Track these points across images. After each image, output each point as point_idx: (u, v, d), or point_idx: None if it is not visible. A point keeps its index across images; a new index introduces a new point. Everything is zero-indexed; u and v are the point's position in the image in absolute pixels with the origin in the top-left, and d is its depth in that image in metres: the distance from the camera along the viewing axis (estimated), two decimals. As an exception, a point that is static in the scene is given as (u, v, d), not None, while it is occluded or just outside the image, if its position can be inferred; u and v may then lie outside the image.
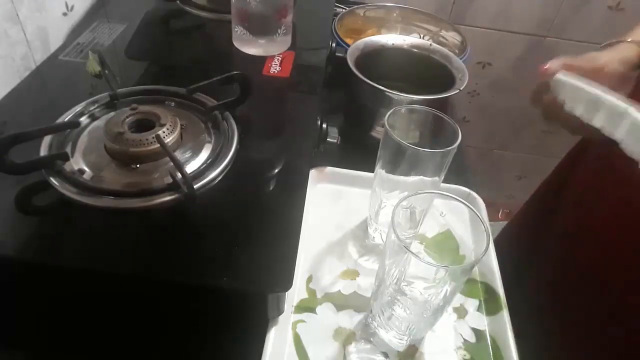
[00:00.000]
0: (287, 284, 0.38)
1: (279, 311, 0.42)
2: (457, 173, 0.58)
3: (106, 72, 0.53)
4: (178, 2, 0.72)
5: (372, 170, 0.50)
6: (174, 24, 0.73)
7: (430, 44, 0.69)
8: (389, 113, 0.45)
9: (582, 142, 0.70)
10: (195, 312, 0.43)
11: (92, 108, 0.51)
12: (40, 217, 0.43)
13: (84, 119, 0.50)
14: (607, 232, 0.57)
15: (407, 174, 0.46)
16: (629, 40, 0.53)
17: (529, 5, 1.20)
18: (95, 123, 0.50)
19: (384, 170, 0.47)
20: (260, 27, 0.62)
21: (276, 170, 0.49)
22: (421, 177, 0.46)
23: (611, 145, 0.43)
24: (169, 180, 0.42)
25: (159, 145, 0.44)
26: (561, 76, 0.48)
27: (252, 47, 0.64)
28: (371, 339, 0.44)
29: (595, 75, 0.47)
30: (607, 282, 0.57)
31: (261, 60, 0.63)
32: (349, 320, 0.45)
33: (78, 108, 0.50)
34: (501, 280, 0.50)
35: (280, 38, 0.64)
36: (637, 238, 0.54)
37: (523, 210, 0.81)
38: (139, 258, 0.40)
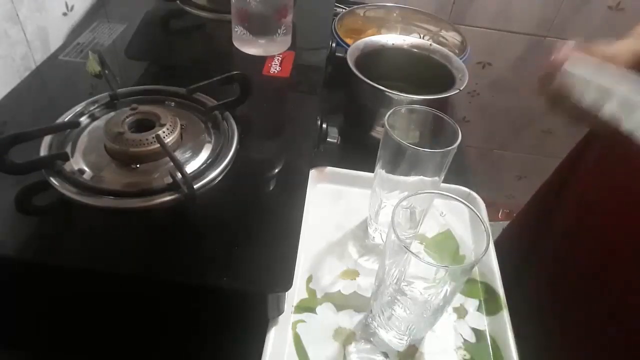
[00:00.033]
0: (287, 284, 0.38)
1: (279, 311, 0.42)
2: (457, 173, 0.58)
3: (106, 72, 0.53)
4: (178, 2, 0.72)
5: (372, 170, 0.50)
6: (174, 24, 0.73)
7: (430, 44, 0.69)
8: (389, 113, 0.45)
9: (583, 142, 0.70)
10: (195, 312, 0.43)
11: (92, 108, 0.51)
12: (40, 217, 0.43)
13: (84, 119, 0.50)
14: (607, 232, 0.57)
15: (407, 174, 0.46)
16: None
17: (529, 5, 1.20)
18: (95, 123, 0.50)
19: (384, 170, 0.47)
20: (260, 27, 0.62)
21: (276, 170, 0.49)
22: (421, 177, 0.46)
23: (617, 137, 0.42)
24: (169, 180, 0.42)
25: (159, 145, 0.44)
26: (570, 64, 0.46)
27: (252, 47, 0.64)
28: (371, 339, 0.44)
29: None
30: (607, 282, 0.57)
31: (261, 60, 0.63)
32: (349, 320, 0.45)
33: (78, 108, 0.50)
34: (501, 280, 0.50)
35: (280, 38, 0.64)
36: (638, 238, 0.54)
37: (524, 211, 0.81)
38: (139, 258, 0.40)
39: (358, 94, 0.65)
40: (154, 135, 0.45)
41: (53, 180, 0.42)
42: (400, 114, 0.47)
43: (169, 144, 0.45)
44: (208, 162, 0.46)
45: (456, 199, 0.40)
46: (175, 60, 0.66)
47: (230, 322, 0.43)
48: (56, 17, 0.67)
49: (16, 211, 0.41)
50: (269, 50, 0.64)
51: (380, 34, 0.88)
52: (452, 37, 0.90)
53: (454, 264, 0.40)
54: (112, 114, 0.49)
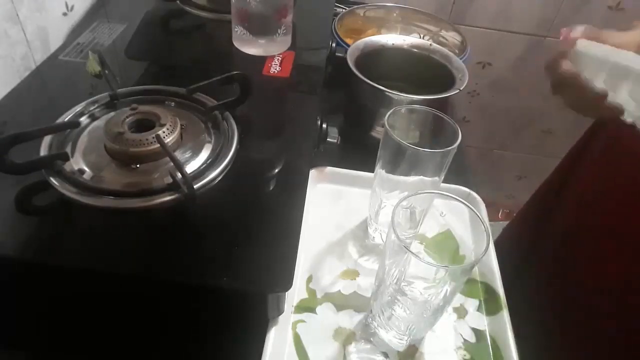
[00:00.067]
0: (287, 284, 0.38)
1: (279, 311, 0.42)
2: (457, 173, 0.58)
3: (106, 72, 0.53)
4: (178, 2, 0.72)
5: (372, 170, 0.50)
6: (174, 24, 0.73)
7: (430, 44, 0.69)
8: (389, 113, 0.45)
9: (583, 141, 0.70)
10: (195, 312, 0.43)
11: (92, 108, 0.51)
12: (40, 217, 0.43)
13: (84, 119, 0.50)
14: (607, 232, 0.57)
15: (407, 174, 0.46)
16: None
17: (529, 5, 1.20)
18: (95, 123, 0.50)
19: (384, 170, 0.47)
20: (260, 27, 0.62)
21: (276, 170, 0.49)
22: (421, 177, 0.46)
23: (622, 128, 0.42)
24: (169, 180, 0.42)
25: (159, 145, 0.44)
26: (583, 43, 0.45)
27: (252, 47, 0.64)
28: (371, 339, 0.44)
29: None
30: (607, 282, 0.57)
31: (261, 60, 0.63)
32: (349, 320, 0.45)
33: (78, 108, 0.50)
34: (501, 280, 0.50)
35: (280, 38, 0.64)
36: (638, 238, 0.54)
37: (523, 211, 0.81)
38: (139, 258, 0.40)
39: (358, 94, 0.65)
40: (154, 135, 0.45)
41: (53, 180, 0.42)
42: (400, 114, 0.47)
43: (169, 144, 0.45)
44: (208, 162, 0.46)
45: (456, 199, 0.40)
46: (175, 60, 0.66)
47: (230, 322, 0.43)
48: (56, 17, 0.67)
49: (16, 211, 0.41)
50: (269, 50, 0.64)
51: (380, 34, 0.88)
52: (452, 37, 0.90)
53: (454, 264, 0.40)
54: (112, 114, 0.49)
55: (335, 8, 0.89)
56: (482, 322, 0.47)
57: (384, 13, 0.94)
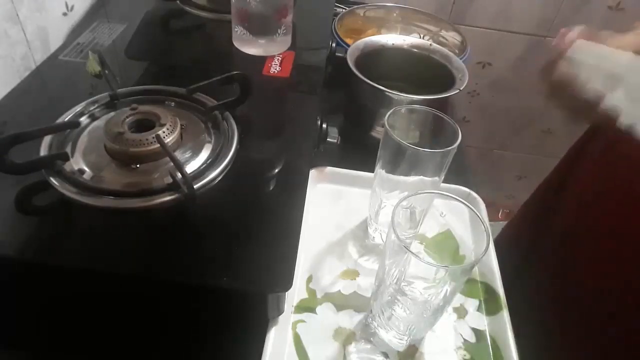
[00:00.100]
0: (287, 284, 0.38)
1: (279, 311, 0.42)
2: (457, 173, 0.58)
3: (106, 72, 0.53)
4: (178, 2, 0.72)
5: (372, 170, 0.50)
6: (174, 24, 0.73)
7: (430, 44, 0.69)
8: (389, 113, 0.45)
9: (582, 140, 0.70)
10: (195, 312, 0.43)
11: (92, 108, 0.51)
12: (40, 217, 0.43)
13: (84, 119, 0.50)
14: (607, 232, 0.57)
15: (407, 174, 0.46)
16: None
17: (529, 5, 1.20)
18: (95, 123, 0.50)
19: (384, 170, 0.47)
20: (260, 27, 0.62)
21: (276, 170, 0.49)
22: (421, 177, 0.46)
23: (617, 132, 0.41)
24: (169, 180, 0.42)
25: (159, 145, 0.44)
26: (575, 50, 0.45)
27: (252, 47, 0.64)
28: (371, 339, 0.44)
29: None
30: (607, 282, 0.57)
31: (261, 60, 0.63)
32: (349, 320, 0.45)
33: (78, 108, 0.50)
34: (501, 280, 0.50)
35: (280, 38, 0.64)
36: (637, 238, 0.54)
37: (523, 210, 0.81)
38: (139, 258, 0.40)
39: (358, 94, 0.65)
40: (154, 135, 0.45)
41: (53, 180, 0.42)
42: (400, 114, 0.47)
43: (169, 144, 0.45)
44: (208, 162, 0.46)
45: (456, 199, 0.40)
46: (175, 60, 0.66)
47: (230, 322, 0.43)
48: (56, 17, 0.67)
49: (16, 211, 0.41)
50: (269, 50, 0.64)
51: (380, 34, 0.88)
52: (452, 37, 0.90)
53: (454, 264, 0.40)
54: (112, 114, 0.49)
55: (335, 8, 0.89)
56: (482, 322, 0.47)
57: (384, 13, 0.94)
